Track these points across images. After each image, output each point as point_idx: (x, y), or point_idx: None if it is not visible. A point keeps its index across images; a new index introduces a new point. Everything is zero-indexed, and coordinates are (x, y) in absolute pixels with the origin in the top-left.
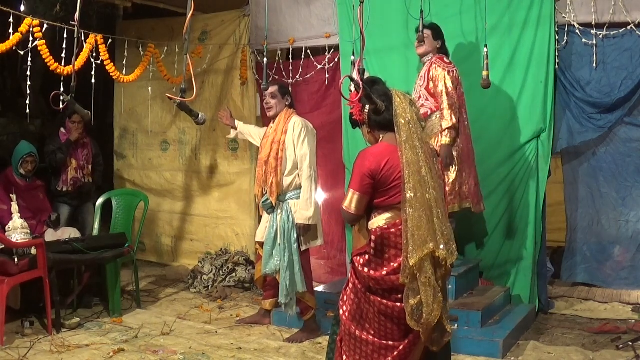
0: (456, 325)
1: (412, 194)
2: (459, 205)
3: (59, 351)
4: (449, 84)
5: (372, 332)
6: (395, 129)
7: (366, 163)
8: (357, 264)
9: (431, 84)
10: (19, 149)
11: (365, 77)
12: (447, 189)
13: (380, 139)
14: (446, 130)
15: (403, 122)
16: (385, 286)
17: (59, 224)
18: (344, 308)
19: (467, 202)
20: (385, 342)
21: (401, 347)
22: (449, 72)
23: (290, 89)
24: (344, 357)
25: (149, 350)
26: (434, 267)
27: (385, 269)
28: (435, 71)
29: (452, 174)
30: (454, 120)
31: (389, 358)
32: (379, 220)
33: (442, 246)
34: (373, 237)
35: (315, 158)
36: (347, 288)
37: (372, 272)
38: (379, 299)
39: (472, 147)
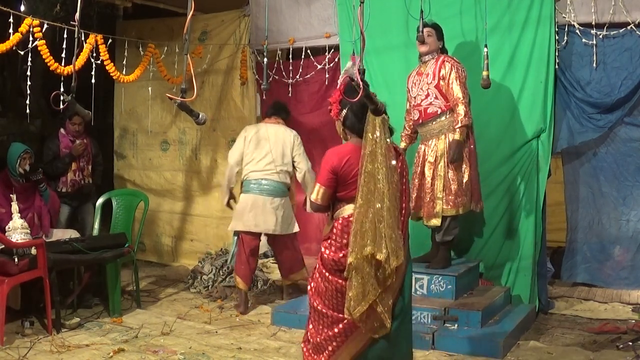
0: (456, 325)
1: (362, 202)
2: (469, 206)
3: (59, 351)
4: (464, 83)
5: (330, 307)
6: (363, 141)
7: (329, 160)
8: (323, 247)
9: (442, 82)
10: (13, 150)
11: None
12: (462, 188)
13: (349, 139)
14: (461, 128)
15: (370, 137)
16: (342, 267)
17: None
18: (311, 284)
19: (473, 203)
20: (337, 314)
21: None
22: (462, 71)
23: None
24: (310, 325)
25: (149, 350)
26: (374, 269)
27: (342, 252)
28: (447, 69)
29: (465, 175)
30: (470, 119)
31: (340, 325)
32: (343, 212)
33: (384, 250)
34: (336, 224)
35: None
36: (315, 268)
37: (331, 254)
38: (336, 279)
39: (474, 147)
